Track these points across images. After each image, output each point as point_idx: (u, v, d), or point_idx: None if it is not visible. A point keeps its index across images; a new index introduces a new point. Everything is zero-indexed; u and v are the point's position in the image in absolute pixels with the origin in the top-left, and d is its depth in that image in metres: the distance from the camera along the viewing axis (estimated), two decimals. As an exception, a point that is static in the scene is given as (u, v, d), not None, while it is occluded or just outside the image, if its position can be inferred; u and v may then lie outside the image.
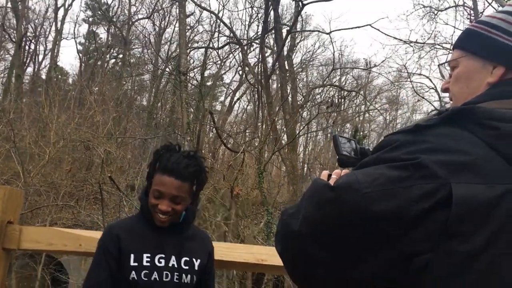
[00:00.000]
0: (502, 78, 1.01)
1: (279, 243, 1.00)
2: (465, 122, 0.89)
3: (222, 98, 24.99)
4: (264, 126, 10.67)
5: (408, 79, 16.44)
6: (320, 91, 18.17)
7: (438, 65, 1.21)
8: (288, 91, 11.02)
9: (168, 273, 1.77)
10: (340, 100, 15.74)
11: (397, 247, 0.80)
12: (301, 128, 12.61)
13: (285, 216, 0.98)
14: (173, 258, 1.80)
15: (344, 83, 21.00)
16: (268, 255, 2.20)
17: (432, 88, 20.78)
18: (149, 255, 1.77)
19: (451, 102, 1.13)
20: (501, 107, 0.92)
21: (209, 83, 22.89)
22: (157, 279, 1.75)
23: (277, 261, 2.16)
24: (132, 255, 1.76)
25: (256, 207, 11.87)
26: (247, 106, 22.80)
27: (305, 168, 22.27)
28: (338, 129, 20.70)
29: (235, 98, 22.28)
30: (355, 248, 0.84)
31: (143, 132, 17.33)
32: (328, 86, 15.00)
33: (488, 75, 1.03)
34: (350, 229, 0.83)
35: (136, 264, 1.76)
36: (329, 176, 1.11)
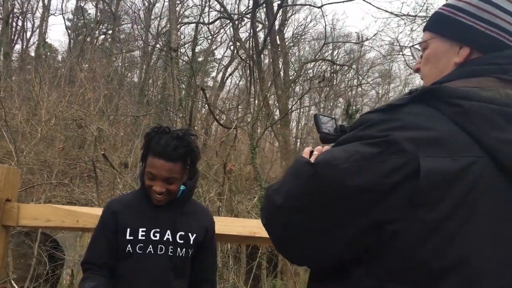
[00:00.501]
0: (467, 58, 1.07)
1: (264, 217, 1.09)
2: (433, 100, 0.97)
3: (213, 74, 24.87)
4: (256, 102, 10.68)
5: (400, 53, 16.42)
6: (312, 65, 18.13)
7: (410, 47, 1.27)
8: (280, 66, 10.98)
9: (162, 246, 1.84)
10: (332, 74, 15.70)
11: (370, 216, 0.89)
12: (294, 103, 12.64)
13: (269, 191, 1.05)
14: (168, 232, 1.87)
15: (336, 57, 20.94)
16: (260, 228, 2.27)
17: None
18: (144, 229, 1.85)
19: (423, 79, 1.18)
20: (466, 86, 0.99)
21: (200, 59, 22.71)
22: (152, 252, 1.83)
23: (269, 233, 2.24)
24: (128, 229, 1.84)
25: (249, 182, 11.98)
26: (239, 81, 22.74)
27: (298, 143, 22.38)
28: (331, 104, 20.75)
29: (227, 74, 22.19)
30: (333, 218, 0.93)
31: (135, 109, 17.25)
32: (320, 61, 14.97)
33: (455, 55, 1.09)
34: (328, 201, 0.92)
35: (131, 238, 1.83)
36: (311, 152, 1.17)
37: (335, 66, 14.46)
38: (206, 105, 11.59)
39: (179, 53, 10.69)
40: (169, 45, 9.46)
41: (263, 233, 2.25)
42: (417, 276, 0.87)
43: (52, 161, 11.86)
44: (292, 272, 9.23)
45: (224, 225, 2.24)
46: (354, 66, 18.02)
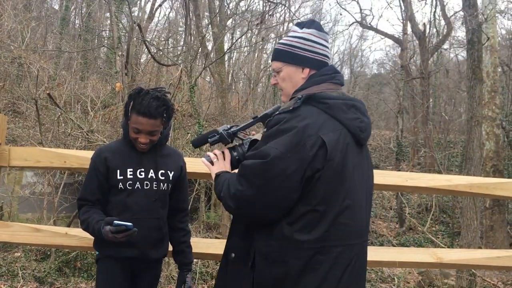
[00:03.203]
0: (309, 74, 1.87)
1: (234, 206, 1.74)
2: (312, 102, 1.75)
3: (142, 3, 23.73)
4: (192, 39, 10.69)
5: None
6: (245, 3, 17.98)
7: (270, 74, 2.11)
8: (216, 3, 10.95)
9: (148, 182, 2.24)
10: (269, 16, 15.69)
11: (306, 173, 1.64)
12: (231, 45, 12.75)
13: (237, 193, 1.71)
14: (151, 171, 2.26)
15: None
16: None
17: (354, 0, 21.47)
18: (131, 169, 2.23)
19: (282, 90, 1.95)
20: (319, 90, 1.79)
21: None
22: (139, 187, 2.22)
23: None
24: (118, 171, 2.21)
25: (185, 118, 12.21)
26: (169, 13, 21.99)
27: (230, 78, 22.52)
28: (262, 39, 20.90)
29: (156, 4, 21.33)
30: (287, 182, 1.64)
31: (60, 40, 16.35)
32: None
33: (301, 73, 1.87)
34: (282, 173, 1.64)
35: (122, 177, 2.21)
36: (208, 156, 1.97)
37: (269, 3, 14.55)
38: (140, 41, 11.35)
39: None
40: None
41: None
42: (330, 198, 1.67)
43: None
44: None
45: (192, 164, 2.61)
46: (287, 4, 18.14)
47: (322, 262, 1.66)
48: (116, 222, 2.00)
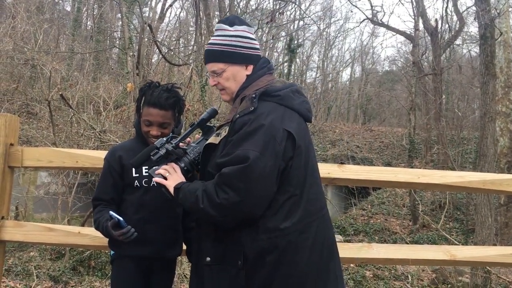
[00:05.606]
0: (253, 70, 1.95)
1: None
2: (266, 97, 1.83)
3: (152, 4, 23.89)
4: (203, 39, 10.70)
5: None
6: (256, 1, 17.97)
7: (206, 74, 2.11)
8: (226, 1, 10.95)
9: None
10: (274, 8, 15.70)
11: (281, 164, 1.76)
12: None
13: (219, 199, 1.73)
14: None
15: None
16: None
17: (364, -3, 21.30)
18: (146, 167, 2.21)
19: (224, 90, 1.99)
20: (262, 84, 1.88)
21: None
22: (155, 184, 2.19)
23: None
24: (133, 168, 2.19)
25: (196, 118, 12.25)
26: (180, 12, 22.08)
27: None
28: (273, 37, 20.83)
29: (167, 5, 21.43)
30: (273, 177, 1.75)
31: (72, 41, 16.53)
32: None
33: (245, 71, 1.95)
34: (263, 172, 1.70)
35: (137, 174, 2.20)
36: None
37: (279, 2, 14.53)
38: (152, 41, 11.41)
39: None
40: (117, -20, 9.07)
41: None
42: (303, 180, 1.82)
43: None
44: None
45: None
46: (297, 2, 18.07)
47: (307, 237, 1.79)
48: (111, 213, 2.00)
